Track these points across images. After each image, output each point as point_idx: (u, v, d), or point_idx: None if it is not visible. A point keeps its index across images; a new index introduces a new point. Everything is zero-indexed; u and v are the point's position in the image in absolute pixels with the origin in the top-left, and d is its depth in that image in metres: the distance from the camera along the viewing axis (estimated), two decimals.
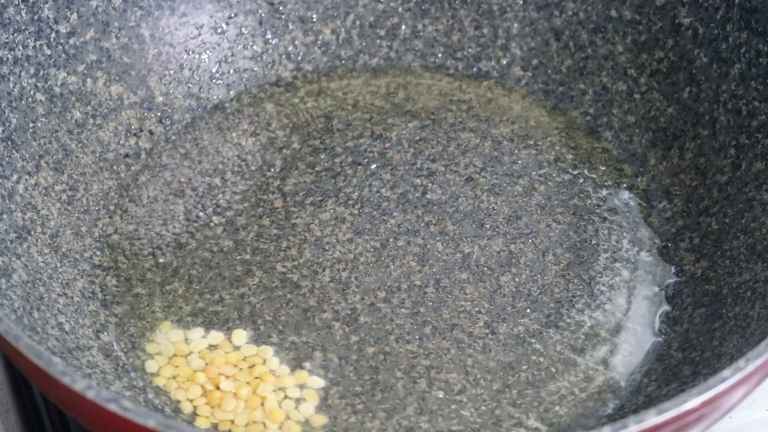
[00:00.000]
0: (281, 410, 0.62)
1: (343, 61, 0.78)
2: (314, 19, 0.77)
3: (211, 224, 0.69)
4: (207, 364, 0.63)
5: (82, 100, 0.70)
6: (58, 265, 0.65)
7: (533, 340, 0.65)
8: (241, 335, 0.64)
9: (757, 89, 0.68)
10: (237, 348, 0.64)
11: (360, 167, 0.72)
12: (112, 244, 0.68)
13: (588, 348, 0.65)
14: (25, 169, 0.66)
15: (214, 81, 0.76)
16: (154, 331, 0.65)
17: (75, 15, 0.70)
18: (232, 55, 0.76)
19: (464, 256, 0.68)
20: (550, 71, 0.76)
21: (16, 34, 0.67)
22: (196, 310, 0.66)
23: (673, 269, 0.68)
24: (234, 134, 0.74)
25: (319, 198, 0.71)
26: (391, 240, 0.69)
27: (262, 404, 0.62)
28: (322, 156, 0.73)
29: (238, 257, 0.68)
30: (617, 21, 0.75)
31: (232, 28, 0.76)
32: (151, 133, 0.73)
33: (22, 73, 0.67)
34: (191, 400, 0.62)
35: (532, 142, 0.73)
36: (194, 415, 0.62)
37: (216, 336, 0.64)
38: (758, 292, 0.62)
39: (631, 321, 0.66)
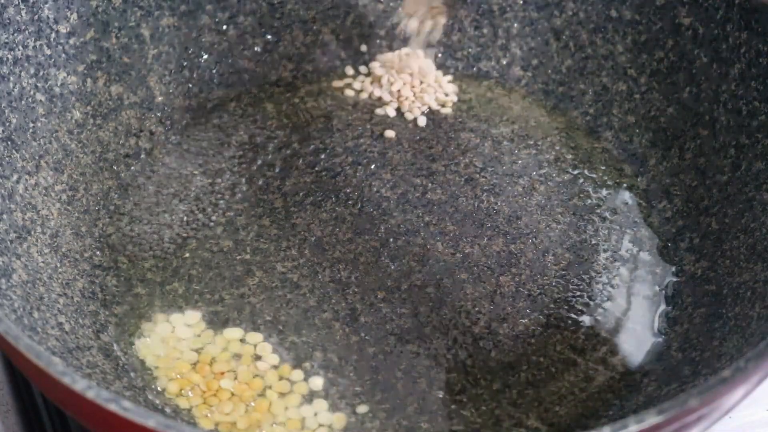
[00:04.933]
0: (299, 417, 0.62)
1: (343, 61, 0.78)
2: (314, 19, 0.77)
3: (211, 224, 0.69)
4: (209, 364, 0.63)
5: (82, 100, 0.70)
6: (58, 265, 0.65)
7: (533, 340, 0.65)
8: (244, 335, 0.65)
9: (757, 89, 0.68)
10: (240, 347, 0.64)
11: (360, 167, 0.72)
12: (112, 244, 0.68)
13: (588, 348, 0.65)
14: (25, 169, 0.66)
15: (214, 81, 0.76)
16: (152, 328, 0.65)
17: (75, 15, 0.70)
18: (232, 55, 0.76)
19: (464, 256, 0.68)
20: (550, 71, 0.76)
21: (16, 34, 0.67)
22: (196, 310, 0.66)
23: (673, 269, 0.68)
24: (234, 134, 0.74)
25: (319, 198, 0.71)
26: (391, 240, 0.69)
27: (271, 409, 0.62)
28: (322, 156, 0.73)
29: (238, 257, 0.68)
30: (617, 21, 0.75)
31: (232, 28, 0.76)
32: (151, 133, 0.73)
33: (22, 73, 0.67)
34: (188, 400, 0.62)
35: (532, 142, 0.74)
36: (193, 415, 0.62)
37: (217, 335, 0.64)
38: (758, 292, 0.62)
39: (631, 321, 0.66)
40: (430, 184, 0.71)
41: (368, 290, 0.67)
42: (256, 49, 0.77)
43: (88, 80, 0.71)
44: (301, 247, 0.68)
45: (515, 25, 0.77)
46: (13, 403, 0.66)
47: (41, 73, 0.68)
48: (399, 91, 0.75)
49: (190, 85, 0.75)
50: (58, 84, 0.69)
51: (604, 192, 0.71)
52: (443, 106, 0.75)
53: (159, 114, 0.74)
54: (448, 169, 0.72)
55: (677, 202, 0.70)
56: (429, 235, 0.69)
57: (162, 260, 0.68)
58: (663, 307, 0.67)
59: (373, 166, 0.72)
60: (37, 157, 0.67)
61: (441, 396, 0.63)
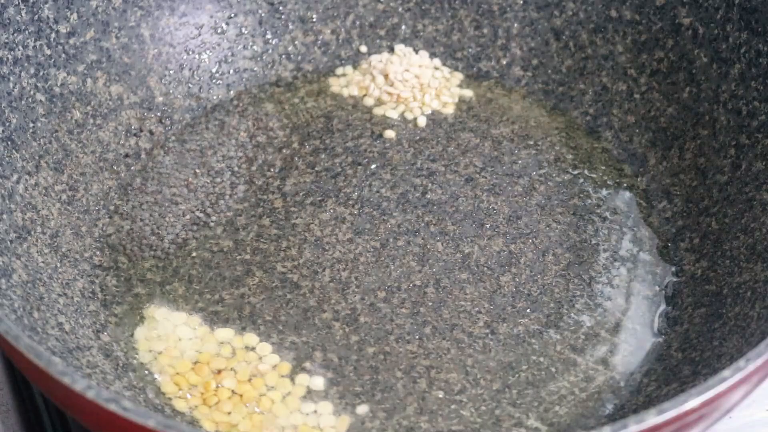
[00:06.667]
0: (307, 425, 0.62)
1: (343, 61, 0.78)
2: (314, 19, 0.77)
3: (211, 224, 0.69)
4: (208, 364, 0.63)
5: (82, 100, 0.70)
6: (58, 265, 0.65)
7: (533, 340, 0.65)
8: (243, 335, 0.65)
9: (757, 89, 0.68)
10: (247, 349, 0.64)
11: (360, 167, 0.72)
12: (112, 244, 0.68)
13: (588, 348, 0.65)
14: (25, 169, 0.66)
15: (214, 81, 0.76)
16: (152, 328, 0.65)
17: (75, 15, 0.70)
18: (232, 55, 0.76)
19: (464, 256, 0.68)
20: (550, 71, 0.76)
21: (16, 34, 0.67)
22: (196, 310, 0.66)
23: (673, 269, 0.68)
24: (234, 134, 0.74)
25: (319, 198, 0.71)
26: (391, 240, 0.69)
27: (271, 409, 0.62)
28: (322, 156, 0.73)
29: (238, 257, 0.68)
30: (617, 21, 0.75)
31: (232, 28, 0.76)
32: (151, 133, 0.73)
33: (22, 73, 0.67)
34: (188, 400, 0.62)
35: (532, 142, 0.74)
36: (193, 415, 0.62)
37: (217, 335, 0.64)
38: (758, 292, 0.62)
39: (631, 321, 0.66)
40: (430, 184, 0.71)
41: (368, 290, 0.67)
42: (256, 49, 0.77)
43: (88, 80, 0.71)
44: (301, 247, 0.68)
45: (515, 25, 0.77)
46: (13, 403, 0.66)
47: (41, 73, 0.68)
48: (399, 91, 0.75)
49: (190, 85, 0.75)
50: (58, 84, 0.69)
51: (604, 192, 0.71)
52: (443, 106, 0.75)
53: (159, 114, 0.74)
54: (448, 169, 0.72)
55: (677, 202, 0.70)
56: (429, 235, 0.69)
57: (162, 260, 0.68)
58: (663, 307, 0.66)
59: (373, 166, 0.72)
60: (37, 157, 0.67)
61: (441, 396, 0.63)
